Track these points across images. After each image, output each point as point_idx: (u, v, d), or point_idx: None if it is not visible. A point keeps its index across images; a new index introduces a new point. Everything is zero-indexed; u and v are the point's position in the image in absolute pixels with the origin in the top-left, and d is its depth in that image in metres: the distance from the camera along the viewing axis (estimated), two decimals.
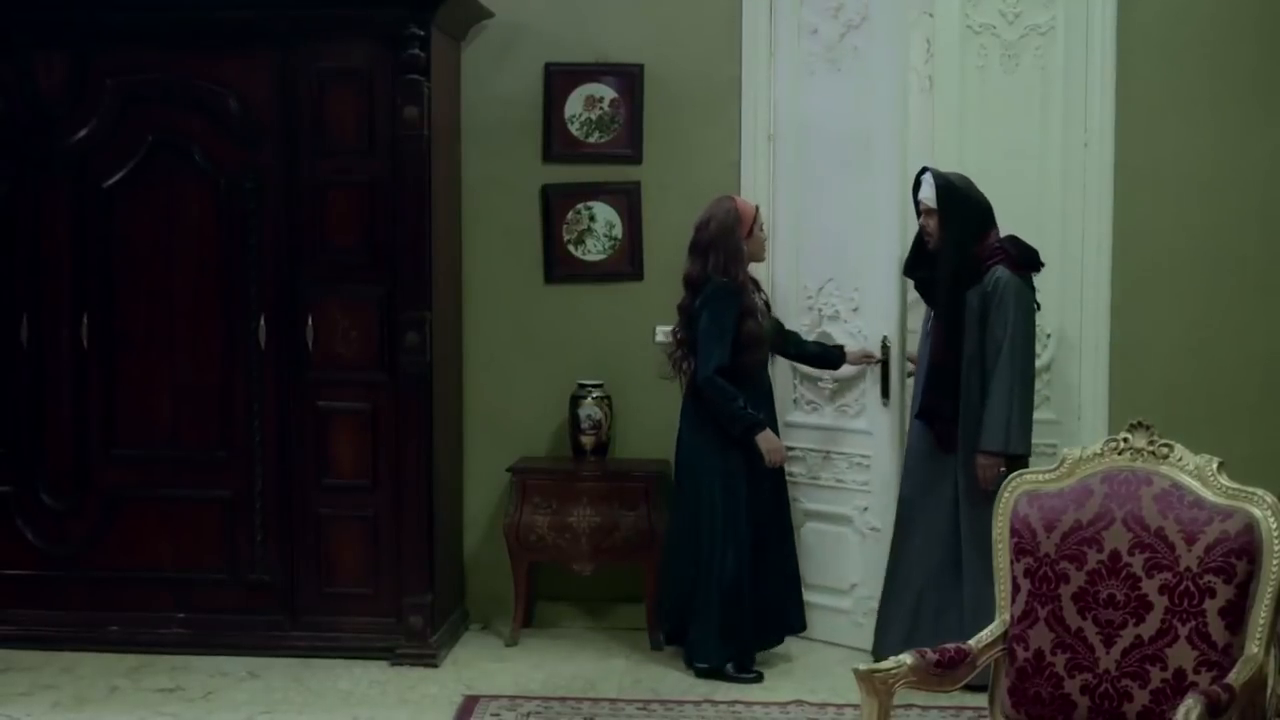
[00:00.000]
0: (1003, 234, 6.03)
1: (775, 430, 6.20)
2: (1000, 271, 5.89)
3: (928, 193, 5.98)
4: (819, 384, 6.64)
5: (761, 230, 6.23)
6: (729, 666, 6.10)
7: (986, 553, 5.62)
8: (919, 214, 6.04)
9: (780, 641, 6.30)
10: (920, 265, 6.12)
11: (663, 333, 6.71)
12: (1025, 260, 5.99)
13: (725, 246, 6.06)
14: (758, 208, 6.23)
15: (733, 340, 6.02)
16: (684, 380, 6.23)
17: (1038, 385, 6.56)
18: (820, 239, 6.58)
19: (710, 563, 6.09)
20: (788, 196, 6.67)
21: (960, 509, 5.92)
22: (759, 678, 6.10)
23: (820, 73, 6.60)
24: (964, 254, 5.93)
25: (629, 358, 6.77)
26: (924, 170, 6.06)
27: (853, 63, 6.49)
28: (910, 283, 6.24)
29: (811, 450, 6.67)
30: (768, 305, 6.32)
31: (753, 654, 6.17)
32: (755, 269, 6.30)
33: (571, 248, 6.82)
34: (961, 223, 5.94)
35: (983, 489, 5.77)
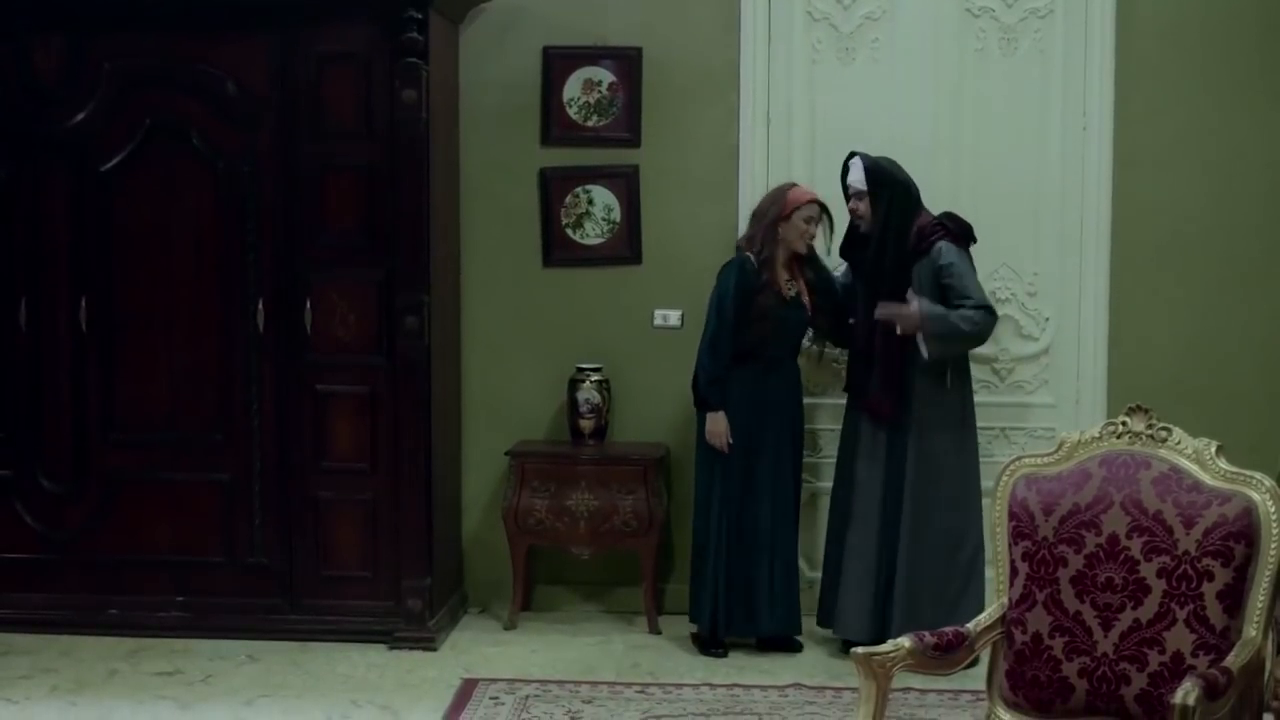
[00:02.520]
0: (965, 213, 6.14)
1: (787, 418, 6.22)
2: (945, 245, 5.99)
3: (858, 176, 6.07)
4: (835, 365, 6.67)
5: (806, 223, 6.15)
6: (702, 636, 6.24)
7: (930, 532, 5.92)
8: (848, 198, 6.12)
9: (772, 631, 6.28)
10: (854, 248, 6.20)
11: (661, 316, 6.71)
12: (964, 234, 6.08)
13: (759, 224, 6.17)
14: (812, 201, 6.16)
15: (741, 312, 6.07)
16: None
17: (1035, 369, 6.60)
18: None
19: (695, 527, 6.26)
20: (796, 181, 6.66)
21: (906, 482, 6.01)
22: (721, 654, 6.16)
23: (829, 62, 6.65)
24: (901, 233, 6.02)
25: (627, 341, 6.77)
26: (852, 154, 6.12)
27: (870, 54, 6.63)
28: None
29: (826, 430, 6.69)
30: (813, 292, 6.26)
31: (723, 627, 6.19)
32: None
33: (570, 231, 6.82)
34: (890, 202, 6.04)
35: (883, 316, 5.99)
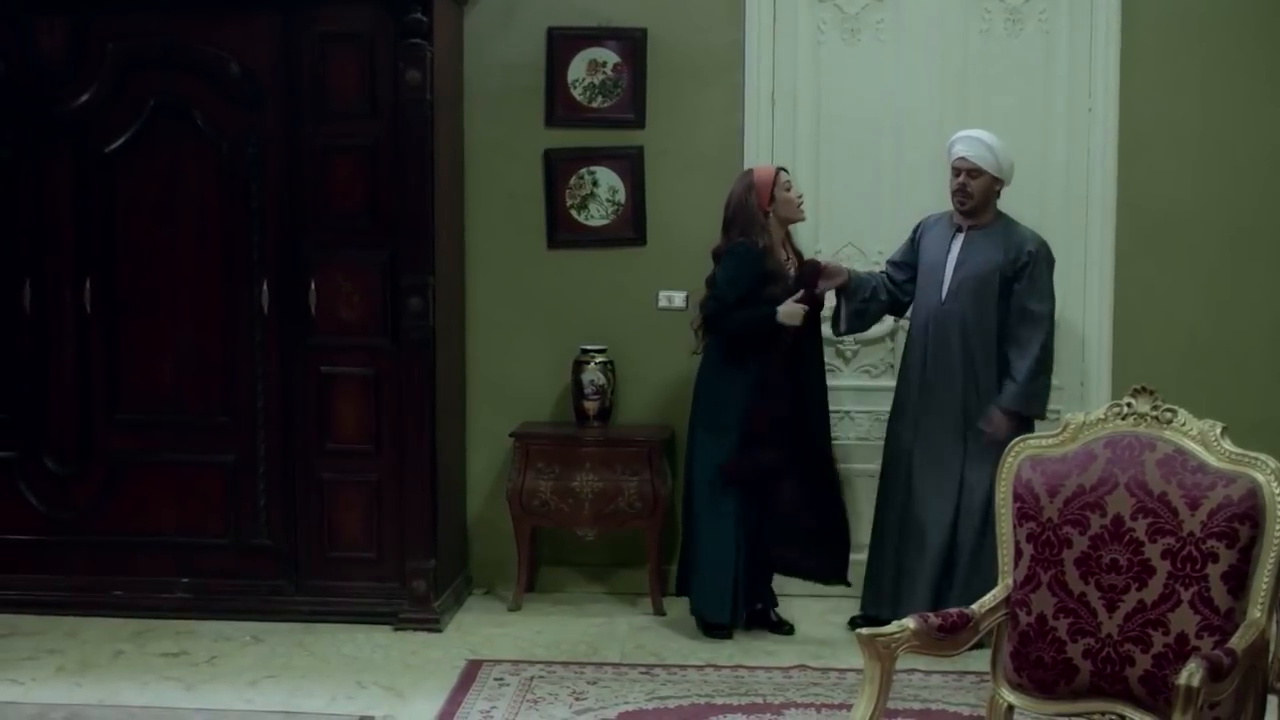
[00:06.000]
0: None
1: (817, 398, 6.19)
2: (1036, 237, 6.01)
3: (972, 149, 5.97)
4: (840, 346, 6.66)
5: (788, 191, 6.13)
6: (702, 618, 6.23)
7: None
8: (958, 173, 6.00)
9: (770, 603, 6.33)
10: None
11: (665, 297, 6.70)
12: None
13: (741, 219, 6.10)
14: (780, 171, 6.16)
15: (753, 301, 6.03)
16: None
17: None
18: (839, 203, 6.63)
19: (692, 512, 6.23)
20: (800, 163, 6.65)
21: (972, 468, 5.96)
22: (725, 635, 6.15)
23: (834, 43, 6.65)
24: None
25: (632, 323, 6.77)
26: (966, 132, 6.05)
27: (876, 35, 6.64)
28: None
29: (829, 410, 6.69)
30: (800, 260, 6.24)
31: (725, 610, 6.17)
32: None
33: (574, 213, 6.81)
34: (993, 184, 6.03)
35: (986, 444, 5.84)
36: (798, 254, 6.25)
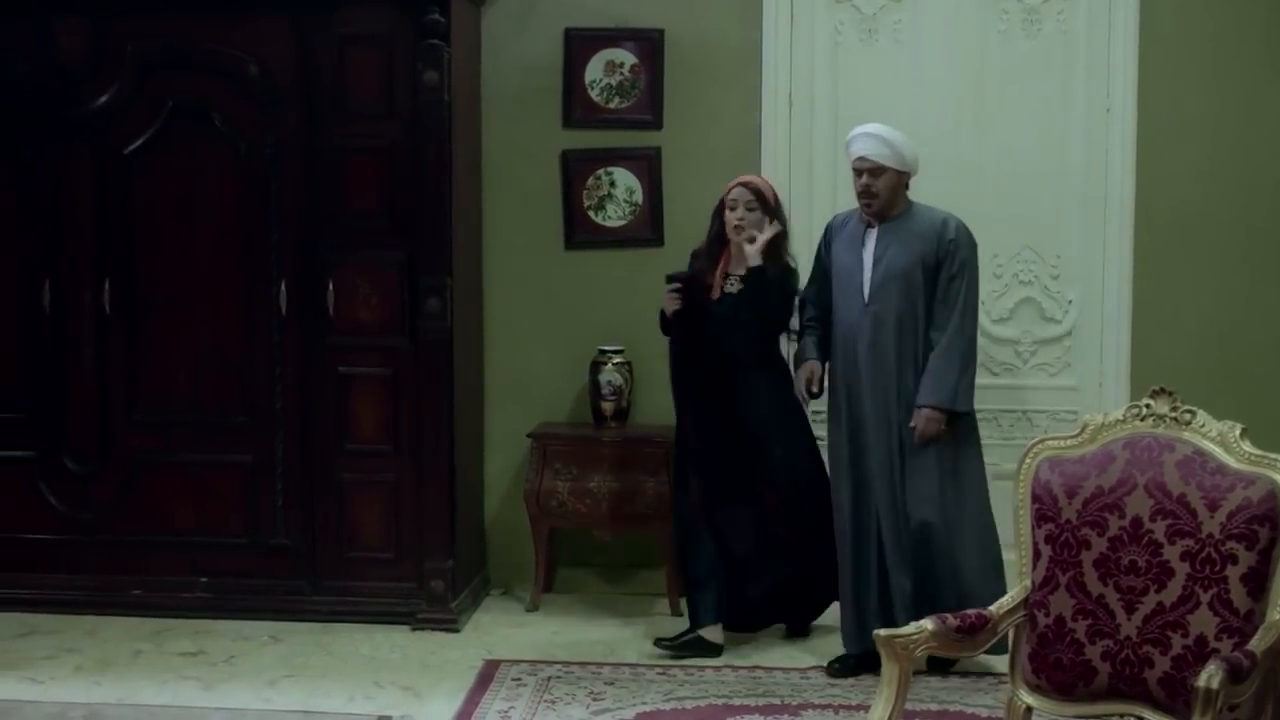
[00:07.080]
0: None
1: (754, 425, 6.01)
2: (960, 225, 5.63)
3: (870, 146, 5.61)
4: None
5: (730, 209, 5.87)
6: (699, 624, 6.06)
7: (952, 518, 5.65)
8: (859, 174, 5.63)
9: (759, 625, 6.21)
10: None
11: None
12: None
13: None
14: (736, 185, 5.90)
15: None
16: None
17: (1058, 351, 6.58)
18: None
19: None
20: (818, 164, 6.65)
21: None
22: (717, 652, 5.97)
23: (851, 43, 6.66)
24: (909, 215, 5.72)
25: (649, 324, 6.72)
26: (862, 129, 5.69)
27: (893, 36, 6.64)
28: None
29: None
30: (754, 292, 5.86)
31: (702, 620, 6.00)
32: None
33: (592, 213, 6.81)
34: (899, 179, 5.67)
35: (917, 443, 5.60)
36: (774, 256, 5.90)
